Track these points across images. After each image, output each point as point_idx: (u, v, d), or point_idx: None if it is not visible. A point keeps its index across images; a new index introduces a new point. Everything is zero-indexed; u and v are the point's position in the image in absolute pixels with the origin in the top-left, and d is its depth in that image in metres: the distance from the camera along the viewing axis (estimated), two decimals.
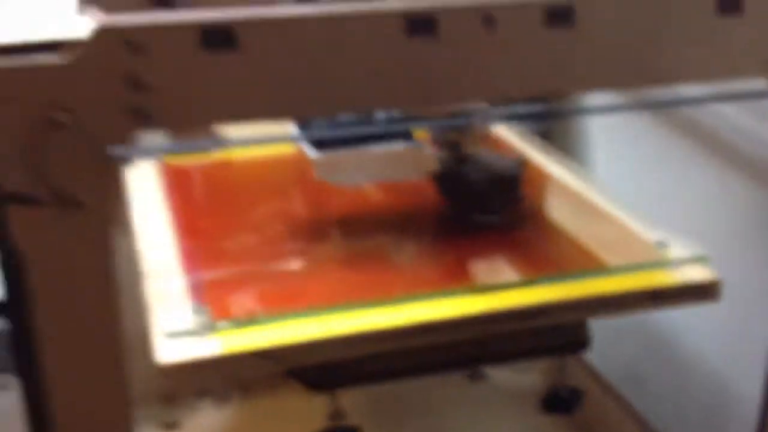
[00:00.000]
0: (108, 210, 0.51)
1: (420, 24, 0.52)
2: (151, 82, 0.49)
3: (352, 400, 0.73)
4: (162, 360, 0.60)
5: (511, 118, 0.97)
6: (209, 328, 0.63)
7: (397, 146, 0.76)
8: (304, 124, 0.76)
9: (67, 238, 0.50)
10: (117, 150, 0.50)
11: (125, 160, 0.54)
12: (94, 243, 0.51)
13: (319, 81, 0.52)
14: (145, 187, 0.87)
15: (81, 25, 0.48)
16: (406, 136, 0.77)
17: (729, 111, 0.87)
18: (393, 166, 0.78)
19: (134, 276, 0.68)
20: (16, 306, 0.51)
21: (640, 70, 0.58)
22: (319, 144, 0.75)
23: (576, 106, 1.05)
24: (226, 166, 0.94)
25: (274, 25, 0.50)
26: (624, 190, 0.93)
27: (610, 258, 0.74)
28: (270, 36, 0.50)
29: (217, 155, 0.94)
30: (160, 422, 1.14)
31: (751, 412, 0.75)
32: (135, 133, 0.50)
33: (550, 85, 0.58)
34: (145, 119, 0.49)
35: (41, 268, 0.51)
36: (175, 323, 0.63)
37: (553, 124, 1.14)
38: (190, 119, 0.52)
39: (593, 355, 1.10)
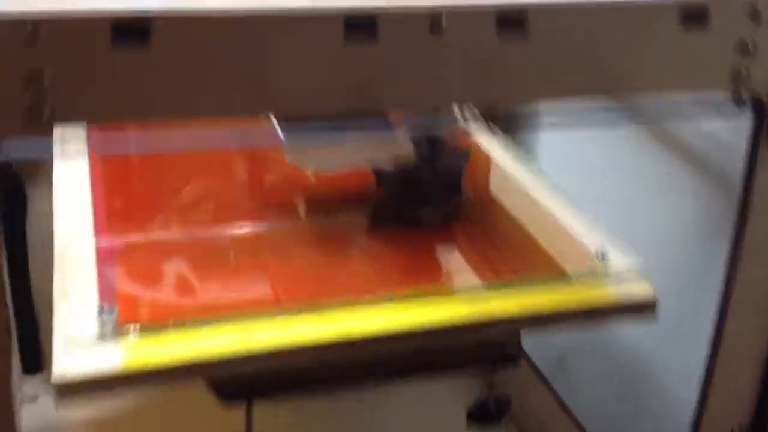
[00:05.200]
0: None
1: (360, 27, 0.47)
2: (49, 78, 0.43)
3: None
4: (55, 378, 0.53)
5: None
6: (114, 333, 0.57)
7: (370, 134, 0.68)
8: None
9: None
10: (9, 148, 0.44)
11: (18, 158, 0.48)
12: None
13: (245, 83, 0.47)
14: (71, 178, 0.78)
15: None
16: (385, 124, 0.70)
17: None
18: (365, 153, 0.73)
19: None
20: None
21: (596, 80, 0.54)
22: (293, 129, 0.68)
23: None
24: (157, 159, 0.86)
25: (194, 23, 0.44)
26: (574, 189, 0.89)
27: (545, 266, 0.71)
28: (189, 34, 0.44)
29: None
30: None
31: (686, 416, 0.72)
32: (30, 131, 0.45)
33: (499, 93, 0.53)
34: (41, 118, 0.43)
35: None
36: (77, 327, 0.57)
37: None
38: (93, 117, 0.47)
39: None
